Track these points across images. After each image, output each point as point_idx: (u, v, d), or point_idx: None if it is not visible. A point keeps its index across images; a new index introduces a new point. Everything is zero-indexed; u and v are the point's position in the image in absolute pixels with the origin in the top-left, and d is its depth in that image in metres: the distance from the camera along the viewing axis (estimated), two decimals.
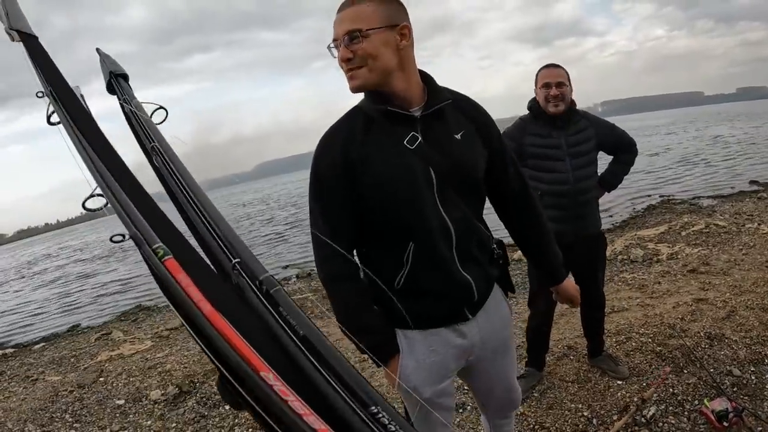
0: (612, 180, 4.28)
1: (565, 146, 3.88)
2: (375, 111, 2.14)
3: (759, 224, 10.12)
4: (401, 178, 2.11)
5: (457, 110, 2.25)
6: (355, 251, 2.30)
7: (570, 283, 2.69)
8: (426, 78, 2.21)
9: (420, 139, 2.12)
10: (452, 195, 2.18)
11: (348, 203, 2.16)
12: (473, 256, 2.27)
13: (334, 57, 2.09)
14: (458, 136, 2.20)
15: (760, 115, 74.19)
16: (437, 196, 2.14)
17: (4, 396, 7.58)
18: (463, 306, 2.28)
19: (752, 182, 17.69)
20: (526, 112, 4.07)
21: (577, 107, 4.04)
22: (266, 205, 50.51)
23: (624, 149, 4.24)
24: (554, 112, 3.85)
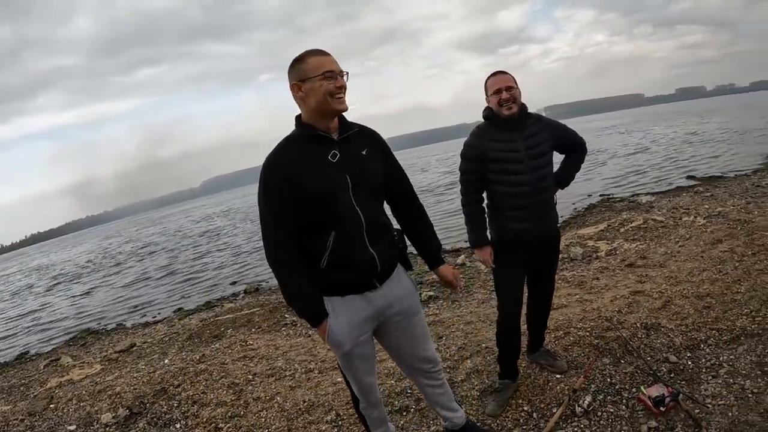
0: (565, 177, 4.35)
1: (522, 149, 3.93)
2: (308, 135, 2.97)
3: (695, 217, 10.35)
4: (326, 183, 2.93)
5: (361, 135, 3.15)
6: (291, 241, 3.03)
7: (448, 267, 3.56)
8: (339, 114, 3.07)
9: (339, 154, 2.99)
10: (362, 194, 3.03)
11: (289, 205, 2.93)
12: (378, 239, 3.09)
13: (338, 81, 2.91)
14: (364, 153, 3.10)
15: (698, 113, 75.78)
16: (352, 194, 2.99)
17: None
18: (371, 277, 3.10)
19: (689, 177, 18.09)
20: (472, 119, 4.13)
21: (529, 111, 4.11)
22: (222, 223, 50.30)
23: (575, 149, 4.33)
24: (509, 115, 3.91)
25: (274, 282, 14.39)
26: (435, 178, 39.34)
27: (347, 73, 2.96)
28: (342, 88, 2.92)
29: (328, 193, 2.93)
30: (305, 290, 3.03)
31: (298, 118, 3.05)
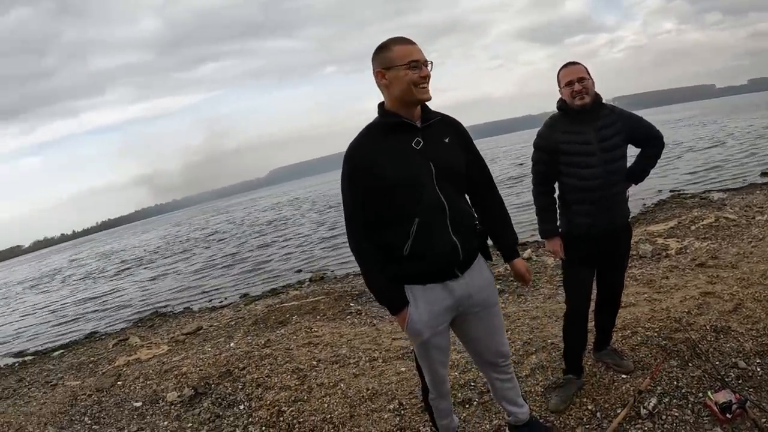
0: (639, 172, 4.25)
1: (595, 141, 3.89)
2: (391, 122, 3.01)
3: None
4: (411, 170, 2.97)
5: (443, 123, 3.18)
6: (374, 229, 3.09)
7: (522, 261, 3.54)
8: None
9: (422, 142, 3.02)
10: (446, 182, 3.04)
11: (372, 191, 2.98)
12: (461, 227, 3.10)
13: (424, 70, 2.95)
14: (446, 141, 3.13)
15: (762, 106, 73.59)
16: (435, 182, 3.00)
17: (24, 401, 7.71)
18: (453, 266, 3.10)
19: (763, 174, 17.59)
20: (538, 111, 4.12)
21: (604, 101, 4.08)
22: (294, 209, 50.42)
23: (651, 142, 4.22)
24: (581, 105, 3.88)
25: (340, 271, 14.58)
26: (503, 170, 39.01)
27: (431, 62, 2.96)
28: (426, 78, 2.93)
29: (412, 181, 2.97)
30: (386, 278, 3.09)
31: (381, 105, 3.11)
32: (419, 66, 2.90)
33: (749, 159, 22.46)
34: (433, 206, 3.00)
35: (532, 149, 4.18)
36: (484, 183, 3.39)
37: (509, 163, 43.56)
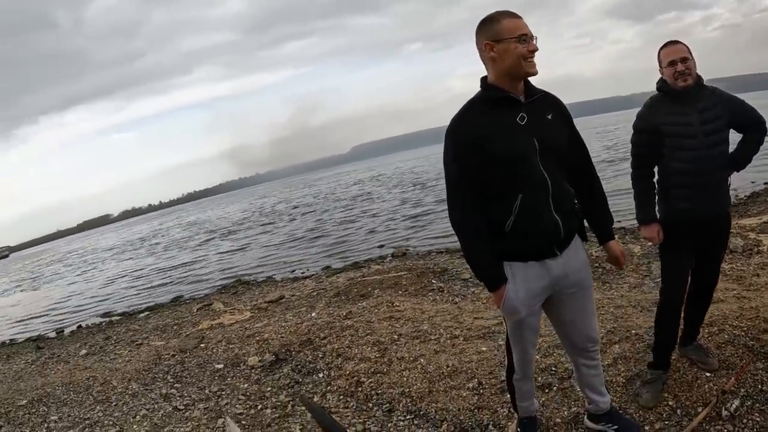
0: (743, 159, 4.13)
1: (697, 123, 3.80)
2: (496, 97, 3.00)
3: None
4: (516, 146, 2.97)
5: (546, 100, 3.15)
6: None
7: (617, 244, 3.54)
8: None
9: (526, 117, 3.00)
10: (549, 158, 3.04)
11: (476, 167, 2.98)
12: (562, 206, 3.10)
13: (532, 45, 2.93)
14: (549, 117, 3.11)
15: None
16: (539, 159, 3.00)
17: (110, 358, 8.02)
18: (552, 244, 3.11)
19: None
20: (627, 92, 4.07)
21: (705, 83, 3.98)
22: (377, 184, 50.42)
23: (755, 127, 4.09)
24: (684, 86, 3.80)
25: (423, 248, 14.68)
26: (594, 153, 38.41)
27: (536, 37, 2.95)
28: (534, 52, 2.93)
29: (517, 156, 2.98)
30: (487, 254, 3.09)
31: (484, 80, 3.08)
32: (528, 39, 2.89)
33: None
34: (536, 183, 3.01)
35: (631, 131, 4.11)
36: (584, 163, 3.38)
37: (600, 146, 42.89)
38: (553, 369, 4.85)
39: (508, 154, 2.95)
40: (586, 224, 3.47)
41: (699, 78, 3.89)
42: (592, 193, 3.41)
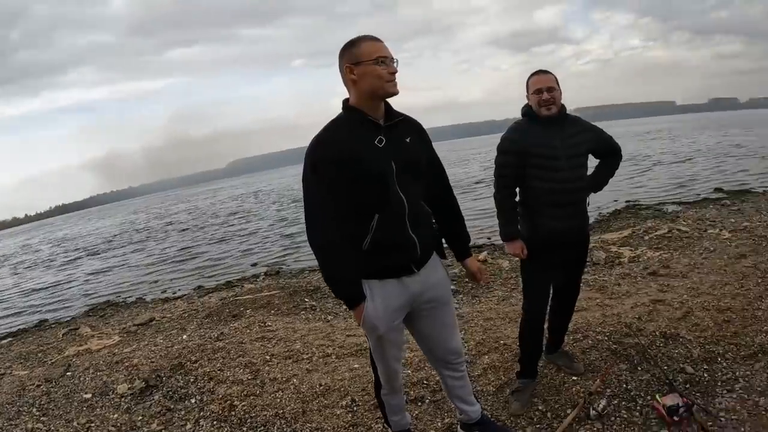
0: (599, 182, 4.38)
1: (561, 148, 3.97)
2: (356, 119, 3.05)
3: (720, 230, 10.30)
4: (373, 167, 3.00)
5: (406, 123, 3.22)
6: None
7: (474, 260, 3.64)
8: (385, 101, 3.12)
9: (385, 140, 3.05)
10: (406, 180, 3.10)
11: (334, 186, 3.00)
12: (419, 225, 3.18)
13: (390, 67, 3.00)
14: (408, 140, 3.18)
15: (739, 124, 75.12)
16: (396, 180, 3.05)
17: None
18: (409, 262, 3.16)
19: (717, 189, 18.06)
20: (502, 117, 4.18)
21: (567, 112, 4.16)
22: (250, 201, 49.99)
23: (611, 153, 4.37)
24: (547, 115, 3.96)
25: (296, 266, 14.53)
26: (471, 174, 39.23)
27: (397, 60, 3.02)
28: (393, 74, 2.99)
29: (375, 177, 3.01)
30: (345, 272, 3.09)
31: (346, 101, 3.13)
32: (387, 62, 2.96)
33: (715, 175, 23.02)
34: (393, 203, 3.05)
35: (497, 153, 4.21)
36: (441, 184, 3.49)
37: (478, 167, 43.83)
38: (425, 382, 4.87)
39: (365, 175, 3.00)
40: (446, 243, 3.56)
41: (563, 107, 4.06)
42: (449, 213, 3.54)
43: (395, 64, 3.02)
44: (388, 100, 3.13)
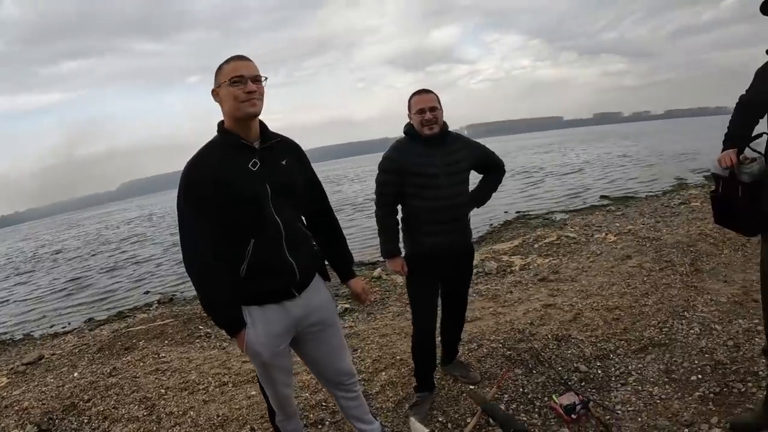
0: (482, 197, 4.41)
1: (441, 166, 3.99)
2: (229, 143, 2.96)
3: (606, 234, 10.66)
4: (247, 192, 2.92)
5: (282, 145, 3.15)
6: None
7: (358, 281, 3.61)
8: (261, 122, 3.06)
9: (259, 163, 2.98)
10: (282, 203, 3.03)
11: (210, 214, 2.91)
12: (297, 248, 3.10)
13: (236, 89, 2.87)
14: (284, 163, 3.11)
15: (623, 135, 78.40)
16: (272, 204, 2.98)
17: None
18: (290, 286, 3.09)
19: (602, 197, 18.73)
20: (395, 134, 4.18)
21: (450, 129, 4.17)
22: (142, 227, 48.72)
23: (493, 169, 4.42)
24: (429, 134, 3.97)
25: (189, 292, 14.19)
26: (369, 191, 39.60)
27: (265, 78, 2.96)
28: (252, 93, 2.88)
29: (249, 202, 2.94)
30: (223, 298, 2.99)
31: (221, 124, 3.04)
32: (244, 81, 2.86)
33: (603, 183, 24.11)
34: (268, 227, 3.00)
35: (378, 172, 4.22)
36: (321, 205, 3.44)
37: (373, 184, 44.34)
38: (324, 404, 4.80)
39: (240, 200, 2.93)
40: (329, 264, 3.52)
41: (445, 125, 4.09)
42: (330, 235, 3.50)
43: (264, 82, 2.96)
44: (263, 119, 3.07)
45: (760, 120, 3.29)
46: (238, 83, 2.85)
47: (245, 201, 2.93)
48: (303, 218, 3.34)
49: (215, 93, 2.96)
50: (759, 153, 3.21)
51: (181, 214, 2.98)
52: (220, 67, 2.93)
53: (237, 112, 2.90)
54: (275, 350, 3.15)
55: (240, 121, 2.95)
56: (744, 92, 3.39)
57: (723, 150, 3.35)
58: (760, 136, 3.23)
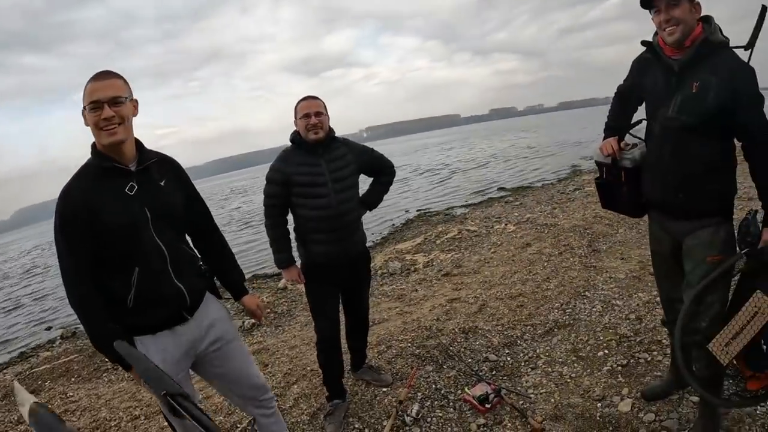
0: (373, 200, 4.42)
1: (327, 172, 3.97)
2: (102, 167, 2.75)
3: (506, 224, 10.84)
4: (124, 217, 2.75)
5: (160, 165, 2.98)
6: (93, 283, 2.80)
7: (251, 298, 3.49)
8: (137, 141, 2.89)
9: (136, 187, 2.81)
10: (163, 227, 2.89)
11: (87, 243, 2.71)
12: (183, 271, 2.96)
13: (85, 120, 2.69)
14: (162, 183, 2.95)
15: (521, 129, 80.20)
16: (152, 228, 2.83)
17: None
18: (180, 310, 2.94)
19: (500, 189, 19.08)
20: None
21: (336, 135, 4.17)
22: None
23: (383, 171, 4.42)
24: (315, 139, 3.94)
25: None
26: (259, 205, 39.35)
27: (127, 99, 2.72)
28: (110, 119, 2.66)
29: (127, 228, 2.75)
30: (111, 332, 2.73)
31: (94, 146, 2.81)
32: (100, 106, 2.63)
33: (507, 176, 24.57)
34: (151, 253, 2.84)
35: (265, 183, 4.17)
36: (205, 223, 3.31)
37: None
38: (239, 426, 4.70)
39: (116, 226, 2.73)
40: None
41: (331, 131, 4.07)
42: (216, 252, 3.37)
43: (129, 102, 2.75)
44: (138, 138, 2.89)
45: (639, 107, 3.39)
46: (95, 109, 2.65)
47: (123, 228, 2.75)
48: (188, 237, 3.21)
49: (83, 115, 2.71)
50: (639, 138, 3.31)
51: (58, 244, 2.78)
52: (84, 86, 2.70)
53: (99, 140, 2.74)
54: (174, 378, 2.83)
55: (107, 147, 2.75)
56: (622, 82, 3.49)
57: (604, 138, 3.44)
58: (639, 122, 3.32)
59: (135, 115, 2.82)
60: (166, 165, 3.06)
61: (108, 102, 2.64)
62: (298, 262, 4.19)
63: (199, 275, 3.15)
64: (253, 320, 7.95)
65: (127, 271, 2.80)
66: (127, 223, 2.76)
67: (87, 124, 2.72)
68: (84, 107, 2.68)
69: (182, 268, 2.98)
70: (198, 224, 3.26)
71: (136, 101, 2.84)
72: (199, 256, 3.24)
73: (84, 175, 2.78)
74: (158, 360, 2.85)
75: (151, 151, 2.99)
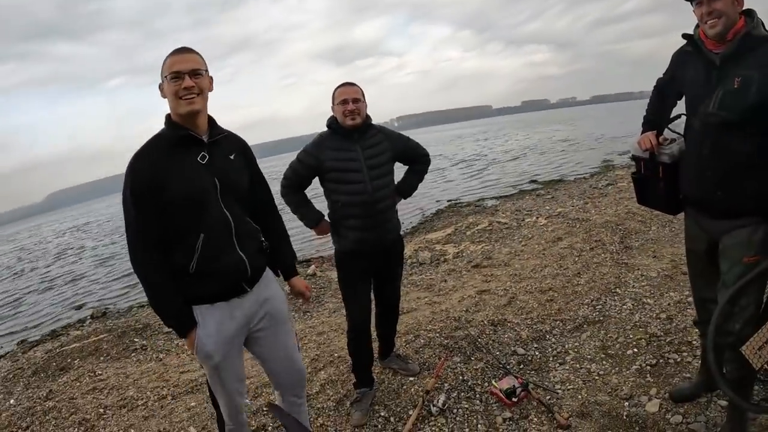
0: (407, 188, 4.44)
1: (362, 159, 3.98)
2: (178, 136, 2.87)
3: (537, 218, 10.78)
4: (195, 186, 2.86)
5: (229, 140, 3.12)
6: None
7: (300, 279, 3.57)
8: (209, 117, 3.01)
9: (208, 156, 2.92)
10: (230, 198, 2.98)
11: (157, 210, 2.80)
12: (246, 243, 3.05)
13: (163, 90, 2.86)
14: (232, 157, 3.07)
15: (553, 122, 79.74)
16: (220, 198, 2.93)
17: None
18: (240, 281, 3.01)
19: (532, 181, 18.95)
20: (323, 129, 4.15)
21: (373, 122, 4.17)
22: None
23: (418, 160, 4.42)
24: (352, 125, 3.95)
25: (123, 304, 13.86)
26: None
27: (204, 71, 2.89)
28: (190, 89, 2.81)
29: (196, 196, 2.86)
30: (173, 299, 2.90)
31: (168, 116, 2.94)
32: (181, 77, 2.78)
33: (543, 169, 24.23)
34: (218, 222, 2.92)
35: (295, 160, 4.19)
36: (266, 201, 3.38)
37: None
38: (265, 409, 4.73)
39: (187, 194, 2.82)
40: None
41: (368, 118, 4.07)
42: (273, 231, 3.38)
43: (205, 76, 2.90)
44: (211, 114, 3.02)
45: (678, 102, 3.35)
46: (176, 79, 2.79)
47: (193, 195, 2.85)
48: (250, 209, 3.24)
49: (160, 88, 2.88)
50: (678, 134, 3.27)
51: (127, 212, 2.86)
52: (164, 61, 2.87)
53: (177, 109, 2.85)
54: (227, 352, 3.04)
55: (180, 117, 2.87)
56: (661, 75, 3.45)
57: (642, 132, 3.41)
58: (678, 117, 3.28)
59: (211, 90, 2.95)
60: (235, 141, 3.19)
61: (189, 73, 2.81)
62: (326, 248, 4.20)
63: (260, 251, 3.20)
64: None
65: (193, 239, 2.88)
66: (198, 189, 2.87)
67: (164, 96, 2.88)
68: (163, 79, 2.84)
69: (245, 240, 3.05)
70: (260, 202, 3.34)
71: (212, 78, 2.96)
72: (260, 231, 3.27)
73: (155, 146, 2.89)
74: (213, 330, 2.97)
75: (221, 127, 3.10)
